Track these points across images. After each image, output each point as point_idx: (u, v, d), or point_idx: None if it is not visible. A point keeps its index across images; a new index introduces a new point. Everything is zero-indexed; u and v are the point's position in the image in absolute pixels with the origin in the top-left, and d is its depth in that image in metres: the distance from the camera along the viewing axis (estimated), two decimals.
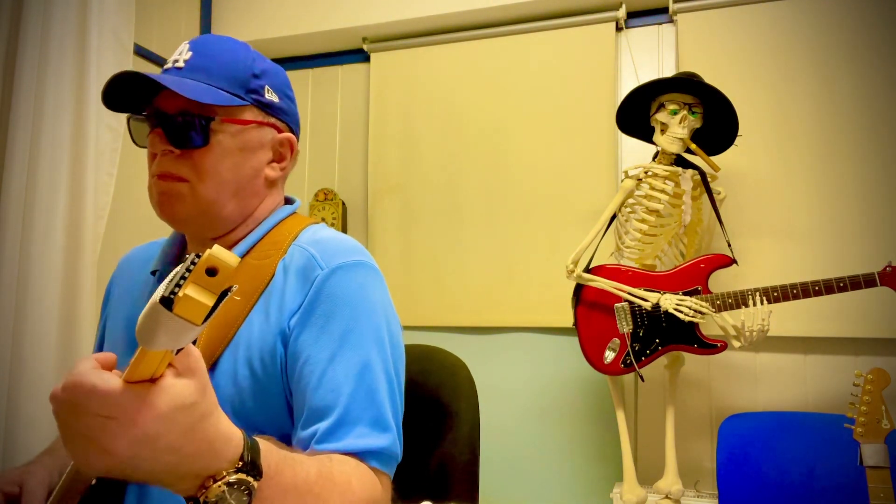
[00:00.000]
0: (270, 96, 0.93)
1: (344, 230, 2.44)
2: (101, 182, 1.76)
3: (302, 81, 2.59)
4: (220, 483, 0.55)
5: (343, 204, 2.45)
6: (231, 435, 0.57)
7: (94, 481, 0.77)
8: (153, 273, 0.96)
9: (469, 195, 2.28)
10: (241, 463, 0.56)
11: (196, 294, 0.44)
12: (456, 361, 1.24)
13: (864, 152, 1.88)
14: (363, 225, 2.43)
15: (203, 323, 0.45)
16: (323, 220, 2.42)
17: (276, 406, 0.83)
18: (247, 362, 0.82)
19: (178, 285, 0.44)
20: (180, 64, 0.89)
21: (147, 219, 0.92)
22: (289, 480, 0.64)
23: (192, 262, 0.44)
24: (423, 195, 2.33)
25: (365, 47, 2.43)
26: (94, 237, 1.72)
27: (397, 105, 2.39)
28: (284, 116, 0.96)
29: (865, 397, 1.31)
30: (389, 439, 0.81)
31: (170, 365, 0.51)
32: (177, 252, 0.98)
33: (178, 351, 0.51)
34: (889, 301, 1.78)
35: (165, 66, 0.91)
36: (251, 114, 0.91)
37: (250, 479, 0.57)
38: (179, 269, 0.45)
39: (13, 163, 1.64)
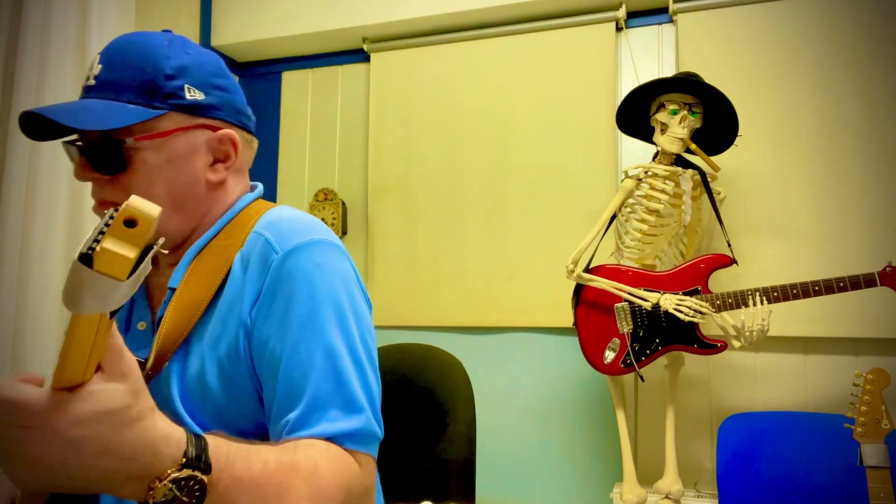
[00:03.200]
0: (193, 95, 0.85)
1: (344, 230, 2.44)
2: None
3: (302, 81, 2.59)
4: (165, 481, 0.54)
5: (343, 204, 2.45)
6: (171, 434, 0.56)
7: None
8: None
9: (469, 195, 2.28)
10: (185, 459, 0.56)
11: (116, 247, 0.41)
12: (452, 360, 1.24)
13: (864, 152, 1.88)
14: (363, 225, 2.43)
15: (128, 278, 0.42)
16: (323, 220, 2.42)
17: (247, 400, 0.81)
18: (215, 360, 0.80)
19: (97, 240, 0.42)
20: (91, 81, 0.83)
21: None
22: (243, 472, 0.62)
23: (111, 217, 0.42)
24: (423, 195, 2.33)
25: (365, 47, 2.43)
26: None
27: (397, 105, 2.39)
28: (217, 112, 0.87)
29: (865, 397, 1.31)
30: (363, 420, 0.78)
31: (100, 370, 0.51)
32: None
33: (112, 315, 0.48)
34: (889, 301, 1.78)
35: (83, 84, 0.86)
36: (172, 121, 0.84)
37: (198, 473, 0.56)
38: (98, 224, 0.43)
39: (13, 163, 1.64)
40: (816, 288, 1.60)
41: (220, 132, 0.88)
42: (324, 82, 2.57)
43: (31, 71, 1.67)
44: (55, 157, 1.67)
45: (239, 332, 0.80)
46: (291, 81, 2.60)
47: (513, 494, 2.13)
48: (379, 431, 0.81)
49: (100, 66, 0.84)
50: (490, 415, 2.09)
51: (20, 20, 1.69)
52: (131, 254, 0.42)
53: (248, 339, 0.80)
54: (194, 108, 0.85)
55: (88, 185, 1.72)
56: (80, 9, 1.74)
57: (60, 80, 1.69)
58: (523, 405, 2.17)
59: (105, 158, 0.82)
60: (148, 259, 0.43)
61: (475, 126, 2.29)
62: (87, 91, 0.84)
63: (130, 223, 0.42)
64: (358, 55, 2.50)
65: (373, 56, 2.43)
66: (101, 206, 0.86)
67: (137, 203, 0.42)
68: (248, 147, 0.93)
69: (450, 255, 2.28)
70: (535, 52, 2.24)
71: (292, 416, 0.76)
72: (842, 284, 1.59)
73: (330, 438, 0.75)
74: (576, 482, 2.08)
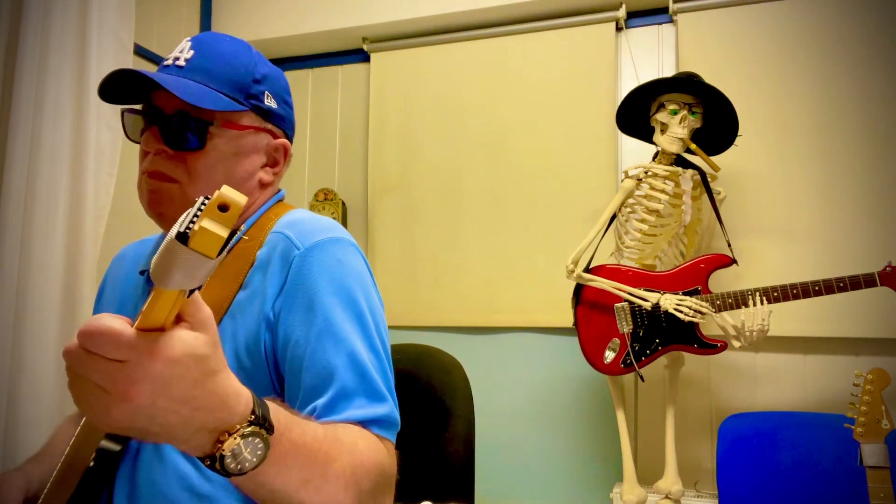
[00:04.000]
0: (269, 102, 0.93)
1: None
2: (101, 182, 1.76)
3: (302, 81, 2.59)
4: (234, 436, 0.55)
5: (343, 204, 2.45)
6: (241, 391, 0.57)
7: (91, 463, 0.77)
8: (142, 273, 0.95)
9: (469, 195, 2.28)
10: (253, 416, 0.57)
11: (211, 227, 0.45)
12: (450, 360, 1.24)
13: (863, 152, 1.88)
14: (363, 225, 2.43)
15: (217, 257, 0.46)
16: None
17: (263, 395, 0.83)
18: (234, 354, 0.82)
19: (193, 221, 0.45)
20: (181, 62, 0.88)
21: (147, 219, 0.92)
22: (299, 437, 0.64)
23: (203, 203, 0.46)
24: (423, 195, 2.33)
25: (365, 47, 2.43)
26: (94, 237, 1.73)
27: (397, 105, 2.39)
28: (281, 123, 0.96)
29: (865, 397, 1.31)
30: (388, 408, 0.82)
31: (181, 321, 0.52)
32: None
33: (191, 293, 0.51)
34: (889, 301, 1.78)
35: (165, 63, 0.90)
36: (249, 119, 0.91)
37: (264, 431, 0.57)
38: (191, 209, 0.46)
39: (13, 163, 1.64)
40: (816, 288, 1.60)
41: (279, 140, 0.96)
42: (324, 82, 2.57)
43: (31, 71, 1.67)
44: (55, 156, 1.67)
45: (260, 327, 0.83)
46: (291, 81, 2.58)
47: (512, 494, 2.13)
48: (399, 420, 0.84)
49: (192, 51, 0.89)
50: (490, 415, 2.09)
51: (20, 20, 1.69)
52: (224, 233, 0.46)
53: (271, 332, 0.83)
54: (267, 114, 0.93)
55: (88, 186, 1.73)
56: (80, 9, 1.73)
57: (60, 80, 1.69)
58: (523, 405, 2.17)
59: (184, 135, 0.86)
60: (231, 243, 0.47)
61: (475, 126, 2.29)
62: (177, 70, 0.88)
63: (223, 207, 0.46)
64: (358, 55, 2.50)
65: (373, 56, 2.43)
66: (149, 177, 0.87)
67: (229, 191, 0.46)
68: (288, 161, 1.00)
69: (450, 255, 2.28)
70: (535, 52, 2.24)
71: (319, 402, 0.78)
72: (842, 284, 1.59)
73: (358, 423, 0.78)
74: (576, 482, 2.08)
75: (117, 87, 0.88)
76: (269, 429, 0.58)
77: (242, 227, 0.46)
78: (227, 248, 0.47)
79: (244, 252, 0.87)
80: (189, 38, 0.91)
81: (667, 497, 1.75)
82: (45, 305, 1.62)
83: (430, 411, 1.16)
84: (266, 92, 0.93)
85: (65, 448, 0.95)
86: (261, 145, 0.93)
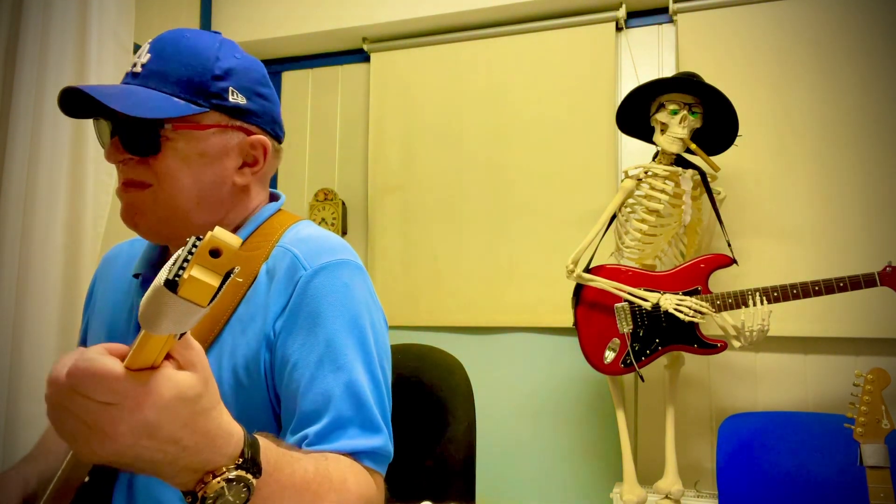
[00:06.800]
0: (235, 99, 0.87)
1: (344, 230, 2.44)
2: (101, 182, 1.76)
3: (302, 81, 2.59)
4: (219, 479, 0.54)
5: (343, 204, 2.45)
6: (232, 431, 0.56)
7: (86, 478, 0.77)
8: (136, 276, 0.93)
9: (469, 195, 2.28)
10: (240, 459, 0.56)
11: (201, 275, 0.43)
12: (452, 361, 1.24)
13: (864, 152, 1.88)
14: (363, 225, 2.43)
15: (208, 305, 0.44)
16: (323, 220, 2.42)
17: (259, 411, 0.82)
18: (231, 370, 0.81)
19: (182, 267, 0.43)
20: (137, 69, 0.85)
21: None
22: (287, 478, 0.63)
23: (194, 245, 0.44)
24: (423, 195, 2.33)
25: (365, 47, 2.43)
26: (94, 237, 1.73)
27: (397, 105, 2.39)
28: (254, 118, 0.90)
29: (865, 397, 1.31)
30: (382, 440, 0.81)
31: (170, 358, 0.51)
32: (159, 255, 0.95)
33: (181, 335, 0.50)
34: (889, 301, 1.78)
35: (128, 70, 0.87)
36: (211, 119, 0.86)
37: (249, 476, 0.56)
38: (181, 251, 0.44)
39: (13, 163, 1.64)
40: (816, 288, 1.60)
41: (253, 137, 0.90)
42: (324, 82, 2.57)
43: (31, 71, 1.67)
44: (55, 157, 1.67)
45: (260, 344, 0.81)
46: (291, 81, 2.60)
47: (513, 494, 2.13)
48: (392, 451, 0.83)
49: (149, 55, 0.85)
50: (490, 415, 2.09)
51: (20, 20, 1.69)
52: (215, 282, 0.44)
53: (270, 351, 0.82)
54: (234, 111, 0.88)
55: (87, 186, 1.73)
56: (80, 9, 1.73)
57: (60, 80, 1.69)
58: (523, 405, 2.17)
59: (138, 139, 0.83)
60: (225, 286, 0.45)
61: (475, 126, 2.29)
62: (133, 77, 0.85)
63: (215, 253, 0.43)
64: (358, 55, 2.50)
65: (373, 56, 2.43)
66: (125, 186, 0.85)
67: (222, 234, 0.44)
68: (275, 156, 0.94)
69: (450, 254, 2.28)
70: (535, 52, 2.24)
71: (313, 430, 0.77)
72: (842, 284, 1.59)
73: (350, 454, 0.77)
74: (576, 482, 2.08)
75: (81, 99, 0.83)
76: (257, 471, 0.57)
77: (236, 270, 0.44)
78: (221, 291, 0.44)
79: (248, 262, 0.86)
80: (150, 41, 0.87)
81: (667, 497, 1.75)
82: (44, 305, 1.63)
83: (431, 411, 1.16)
84: (230, 88, 0.86)
85: (54, 447, 0.94)
86: (231, 145, 0.88)
